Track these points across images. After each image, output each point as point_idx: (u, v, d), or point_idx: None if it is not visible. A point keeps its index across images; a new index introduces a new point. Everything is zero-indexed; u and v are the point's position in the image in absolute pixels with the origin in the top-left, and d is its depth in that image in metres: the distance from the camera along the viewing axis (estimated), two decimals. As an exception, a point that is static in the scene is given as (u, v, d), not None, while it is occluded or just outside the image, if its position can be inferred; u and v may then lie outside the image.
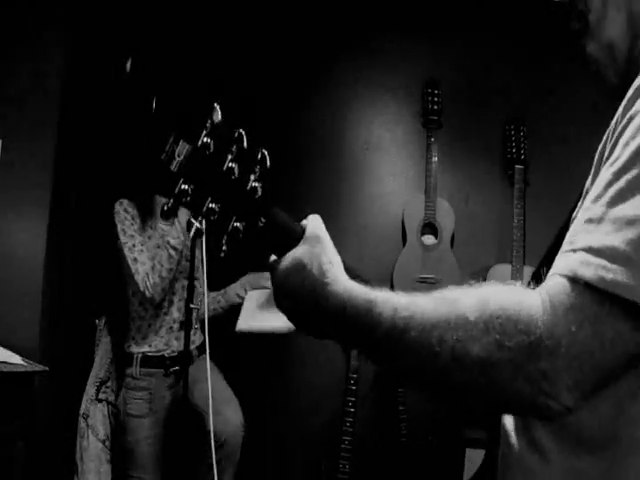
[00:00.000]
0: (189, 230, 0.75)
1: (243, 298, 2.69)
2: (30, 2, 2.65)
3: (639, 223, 0.60)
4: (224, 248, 0.75)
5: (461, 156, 3.25)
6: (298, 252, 0.75)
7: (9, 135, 2.56)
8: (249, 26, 3.22)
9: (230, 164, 0.72)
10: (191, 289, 2.43)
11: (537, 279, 0.94)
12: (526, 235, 2.97)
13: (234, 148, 0.73)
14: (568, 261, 0.64)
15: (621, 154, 0.64)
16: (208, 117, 0.71)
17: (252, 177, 0.74)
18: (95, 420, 2.58)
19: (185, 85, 2.74)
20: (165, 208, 0.72)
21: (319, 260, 0.74)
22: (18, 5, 2.63)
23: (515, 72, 3.21)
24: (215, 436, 2.39)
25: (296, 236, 0.77)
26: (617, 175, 0.63)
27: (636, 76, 0.69)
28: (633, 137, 0.63)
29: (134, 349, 2.50)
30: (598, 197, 0.64)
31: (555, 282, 0.64)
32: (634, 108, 0.65)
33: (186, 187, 0.71)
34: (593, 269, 0.61)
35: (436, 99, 3.14)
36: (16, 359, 2.25)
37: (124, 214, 2.46)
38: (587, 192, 0.72)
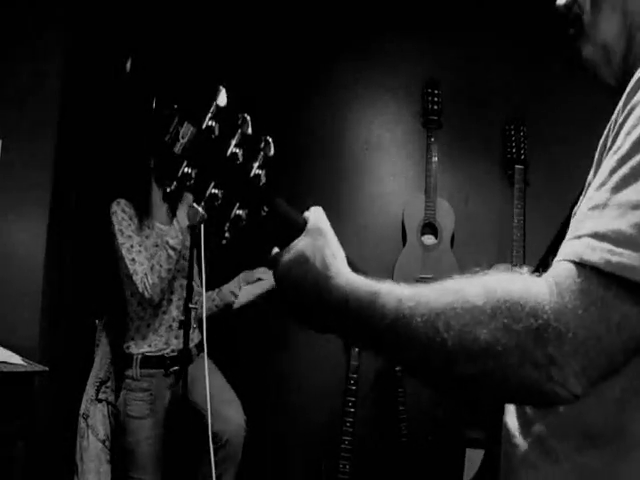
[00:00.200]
0: (192, 218, 0.73)
1: (237, 296, 2.70)
2: (30, 2, 2.65)
3: None
4: (226, 235, 0.73)
5: (461, 156, 3.25)
6: (300, 244, 0.74)
7: (9, 135, 2.56)
8: (249, 26, 3.22)
9: (234, 149, 0.71)
10: (190, 289, 2.42)
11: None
12: (526, 235, 2.97)
13: (238, 133, 0.72)
14: (574, 247, 0.63)
15: (623, 143, 0.64)
16: (213, 100, 0.70)
17: (256, 164, 0.73)
18: (95, 420, 2.58)
19: (185, 85, 2.74)
20: (168, 190, 0.71)
21: (322, 253, 0.74)
22: (18, 5, 2.63)
23: (515, 72, 3.21)
24: (217, 436, 2.39)
25: (298, 227, 0.76)
26: (620, 162, 0.63)
27: (632, 77, 0.69)
28: (635, 126, 0.64)
29: (134, 350, 2.49)
30: (602, 184, 0.65)
31: (561, 267, 0.63)
32: (635, 98, 0.65)
33: (189, 171, 0.69)
34: (599, 253, 0.61)
35: (436, 99, 3.14)
36: (16, 359, 2.25)
37: (122, 214, 2.46)
38: (589, 185, 0.72)
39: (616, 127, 0.67)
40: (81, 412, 2.59)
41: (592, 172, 0.72)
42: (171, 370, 2.51)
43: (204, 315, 2.32)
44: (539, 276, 0.65)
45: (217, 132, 0.70)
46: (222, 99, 0.71)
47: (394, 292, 0.69)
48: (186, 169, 0.69)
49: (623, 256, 0.60)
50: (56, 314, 2.70)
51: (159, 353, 2.50)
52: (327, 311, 0.73)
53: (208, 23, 3.15)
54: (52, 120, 2.62)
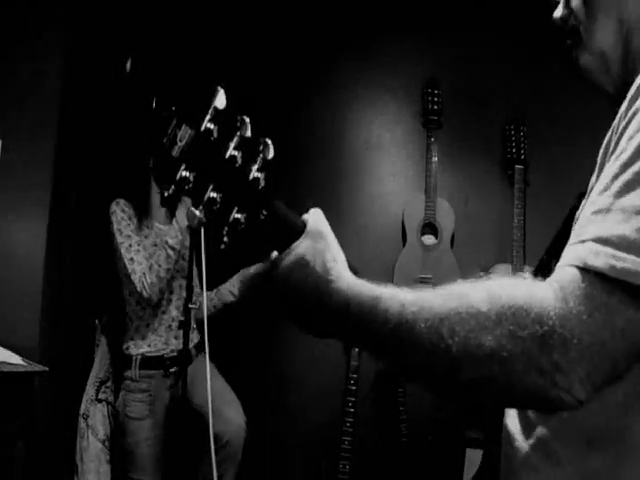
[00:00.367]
0: (191, 221, 0.72)
1: (236, 295, 2.69)
2: (30, 2, 2.65)
3: None
4: (225, 240, 0.72)
5: (461, 156, 3.25)
6: (301, 248, 0.73)
7: (9, 135, 2.56)
8: (249, 26, 3.22)
9: (233, 152, 0.70)
10: (190, 289, 2.42)
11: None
12: (526, 235, 2.97)
13: (237, 136, 0.71)
14: (577, 252, 0.63)
15: (626, 147, 0.64)
16: (211, 102, 0.69)
17: (255, 167, 0.72)
18: (95, 420, 2.58)
19: (185, 85, 2.73)
20: (165, 195, 0.69)
21: (323, 256, 0.73)
22: (18, 5, 2.63)
23: (515, 72, 3.21)
24: (217, 436, 2.39)
25: (297, 230, 0.75)
26: (623, 167, 0.63)
27: (631, 84, 0.69)
28: (637, 131, 0.64)
29: (133, 351, 2.49)
30: (605, 189, 0.64)
31: (565, 272, 0.63)
32: (637, 103, 0.65)
33: (187, 174, 0.68)
34: (603, 258, 0.61)
35: (436, 99, 3.14)
36: (16, 359, 2.25)
37: (121, 214, 2.46)
38: (592, 188, 0.72)
39: (618, 132, 0.67)
40: (81, 412, 2.59)
41: (594, 176, 0.72)
42: (170, 371, 2.50)
43: (205, 316, 2.31)
44: (542, 280, 0.65)
45: (216, 135, 0.69)
46: (221, 101, 0.70)
47: (397, 296, 0.68)
48: (184, 173, 0.68)
49: (627, 261, 0.60)
50: (56, 314, 2.70)
51: (159, 353, 2.50)
52: (327, 315, 0.72)
53: (208, 23, 3.15)
54: (52, 120, 2.62)
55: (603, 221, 0.63)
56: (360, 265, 0.82)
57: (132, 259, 2.40)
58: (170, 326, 2.53)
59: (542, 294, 0.62)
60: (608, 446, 0.70)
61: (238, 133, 0.71)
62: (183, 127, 0.67)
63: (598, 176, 0.70)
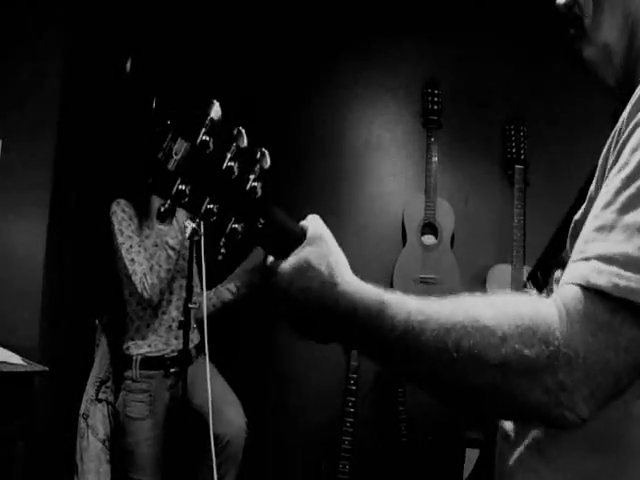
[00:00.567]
0: (186, 233, 0.72)
1: (234, 293, 2.70)
2: (30, 2, 2.65)
3: None
4: (222, 251, 0.73)
5: (461, 156, 3.25)
6: (304, 253, 0.73)
7: (9, 135, 2.56)
8: (249, 26, 3.22)
9: (229, 163, 0.70)
10: (189, 289, 2.42)
11: (533, 280, 0.95)
12: (526, 235, 2.97)
13: (233, 146, 0.70)
14: (581, 270, 0.64)
15: (629, 160, 0.64)
16: (207, 114, 0.69)
17: (252, 177, 0.72)
18: (95, 420, 2.58)
19: (185, 85, 2.74)
20: (162, 210, 0.69)
21: (327, 260, 0.73)
22: (18, 5, 2.63)
23: (515, 72, 3.21)
24: (218, 437, 2.39)
25: (296, 237, 0.75)
26: (626, 182, 0.63)
27: (633, 78, 0.69)
28: None
29: (133, 351, 2.49)
30: (608, 204, 0.64)
31: (569, 290, 0.64)
32: (639, 115, 0.65)
33: (183, 187, 0.68)
34: (606, 276, 0.61)
35: (436, 99, 3.14)
36: (16, 359, 2.25)
37: (121, 214, 2.46)
38: (591, 197, 0.72)
39: (620, 141, 0.67)
40: (81, 412, 2.59)
41: (594, 184, 0.72)
42: (171, 371, 2.50)
43: (205, 317, 2.31)
44: (547, 295, 0.65)
45: (212, 147, 0.69)
46: (216, 112, 0.69)
47: (403, 303, 0.68)
48: (180, 186, 0.68)
49: (631, 280, 0.60)
50: (56, 314, 2.70)
51: (159, 354, 2.50)
52: (332, 320, 0.72)
53: (208, 23, 3.15)
54: (52, 120, 2.62)
55: (606, 239, 0.63)
56: (360, 265, 0.82)
57: (133, 260, 2.40)
58: (170, 326, 2.53)
59: (547, 313, 0.63)
60: (607, 452, 0.70)
61: (234, 144, 0.71)
62: (179, 140, 0.67)
63: (599, 184, 0.70)
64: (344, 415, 2.78)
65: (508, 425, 0.82)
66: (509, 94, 3.22)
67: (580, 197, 0.77)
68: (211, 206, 0.70)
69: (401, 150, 3.30)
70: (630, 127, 0.66)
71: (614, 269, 0.61)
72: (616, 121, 0.70)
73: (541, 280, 0.91)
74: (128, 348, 2.50)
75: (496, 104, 3.23)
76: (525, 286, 0.98)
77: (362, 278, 0.75)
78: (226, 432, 2.45)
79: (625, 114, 0.68)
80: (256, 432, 2.63)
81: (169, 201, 0.69)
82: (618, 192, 0.64)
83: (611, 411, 0.69)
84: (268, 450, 3.09)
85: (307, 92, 3.29)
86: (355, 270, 0.76)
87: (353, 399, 2.80)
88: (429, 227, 3.09)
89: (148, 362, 2.48)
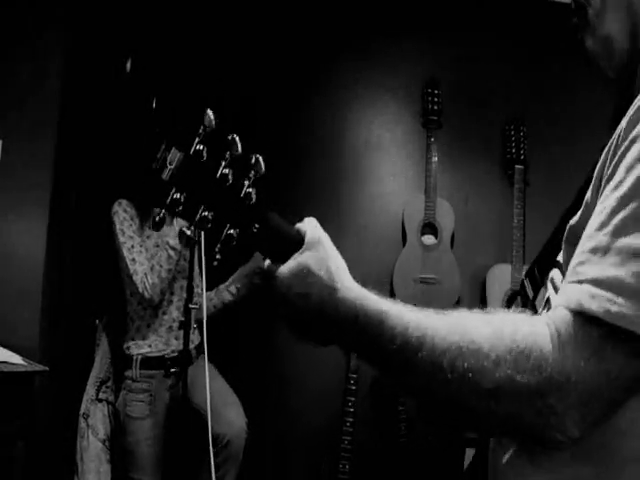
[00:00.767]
0: (181, 240, 0.72)
1: (234, 294, 2.70)
2: (30, 2, 2.65)
3: None
4: (218, 257, 0.73)
5: (461, 156, 3.25)
6: (303, 258, 0.73)
7: (9, 135, 2.56)
8: (249, 27, 3.22)
9: (224, 170, 0.70)
10: (190, 289, 2.42)
11: (531, 278, 0.95)
12: (526, 235, 2.97)
13: (227, 154, 0.71)
14: (575, 293, 0.64)
15: (625, 178, 0.64)
16: (200, 123, 0.69)
17: (246, 183, 0.72)
18: (95, 420, 2.58)
19: (185, 85, 2.74)
20: (157, 219, 0.69)
21: (327, 265, 0.73)
22: (18, 5, 2.63)
23: (515, 72, 3.21)
24: (218, 437, 2.39)
25: (294, 241, 0.75)
26: (621, 203, 0.63)
27: (635, 74, 0.69)
28: (637, 159, 0.63)
29: (133, 351, 2.49)
30: (602, 225, 0.64)
31: (562, 314, 0.64)
32: (637, 129, 0.65)
33: (178, 196, 0.68)
34: (598, 302, 0.61)
35: (436, 99, 3.14)
36: (16, 359, 2.25)
37: (123, 214, 2.46)
38: (587, 203, 0.71)
39: (618, 153, 0.66)
40: (81, 412, 2.59)
41: (590, 191, 0.72)
42: (171, 371, 2.50)
43: (204, 317, 2.32)
44: (544, 290, 0.65)
45: (205, 155, 0.69)
46: (210, 121, 0.69)
47: (403, 316, 0.69)
48: (175, 195, 0.68)
49: (623, 306, 0.60)
50: (56, 314, 2.70)
51: (159, 354, 2.50)
52: (331, 325, 0.72)
53: (208, 23, 3.15)
54: (52, 120, 2.62)
55: (600, 262, 0.63)
56: (360, 265, 0.82)
57: (134, 260, 2.40)
58: (171, 327, 2.53)
59: (541, 337, 0.63)
60: (588, 458, 0.69)
61: (228, 152, 0.71)
62: (172, 150, 0.67)
63: (594, 195, 0.70)
64: (344, 415, 2.78)
65: None
66: (509, 94, 3.22)
67: (579, 197, 0.77)
68: (206, 213, 0.70)
69: (401, 150, 3.30)
70: (627, 142, 0.65)
71: (607, 294, 0.61)
72: (616, 122, 0.69)
73: (538, 278, 0.91)
74: (128, 348, 2.51)
75: (496, 104, 3.23)
76: (522, 283, 0.98)
77: (362, 278, 0.75)
78: (226, 432, 2.45)
79: (623, 123, 0.67)
80: (256, 432, 2.63)
81: (163, 210, 0.69)
82: (613, 213, 0.63)
83: (600, 424, 0.70)
84: (268, 450, 3.09)
85: (307, 92, 3.28)
86: (355, 270, 0.76)
87: (353, 399, 2.80)
88: (429, 227, 3.09)
89: (148, 362, 2.48)
